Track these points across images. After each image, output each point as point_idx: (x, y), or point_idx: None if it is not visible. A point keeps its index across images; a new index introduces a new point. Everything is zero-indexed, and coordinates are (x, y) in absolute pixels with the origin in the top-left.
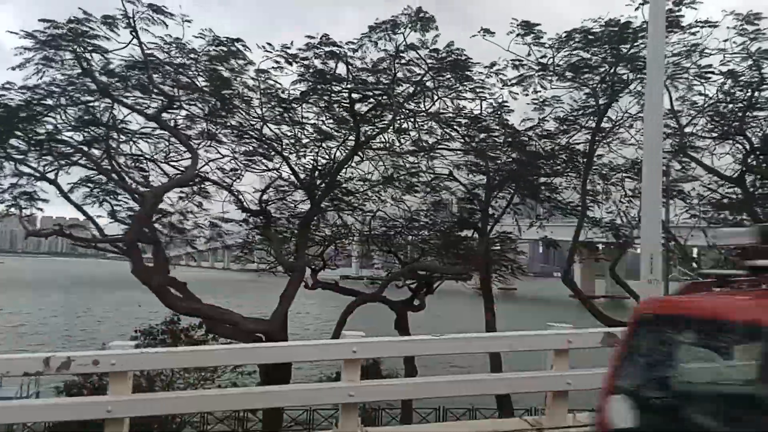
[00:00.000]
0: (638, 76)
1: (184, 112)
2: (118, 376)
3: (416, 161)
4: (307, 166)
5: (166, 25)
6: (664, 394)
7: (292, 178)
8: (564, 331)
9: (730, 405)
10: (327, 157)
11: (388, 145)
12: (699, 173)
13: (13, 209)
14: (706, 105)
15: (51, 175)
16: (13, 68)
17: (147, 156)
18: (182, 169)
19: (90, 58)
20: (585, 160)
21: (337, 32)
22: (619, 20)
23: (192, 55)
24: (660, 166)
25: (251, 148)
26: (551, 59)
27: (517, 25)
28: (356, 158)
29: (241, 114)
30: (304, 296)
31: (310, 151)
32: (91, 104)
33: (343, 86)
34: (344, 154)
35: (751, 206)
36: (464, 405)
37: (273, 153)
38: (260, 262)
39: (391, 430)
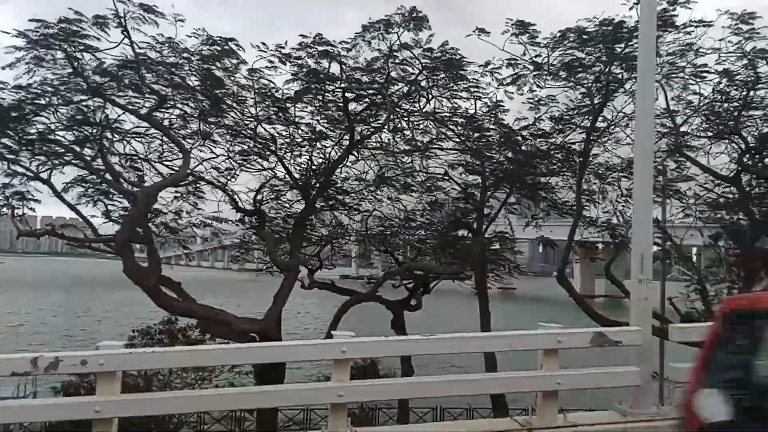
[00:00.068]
0: (632, 75)
1: (177, 112)
2: (107, 376)
3: (410, 161)
4: (302, 165)
5: (157, 24)
6: (757, 387)
7: (287, 177)
8: (553, 331)
9: None
10: (322, 156)
11: (384, 144)
12: (695, 172)
13: (5, 209)
14: (701, 104)
15: (45, 175)
16: (3, 68)
17: (141, 156)
18: (176, 168)
19: (81, 57)
20: (581, 159)
21: (337, 32)
22: (614, 19)
23: (185, 55)
24: (651, 168)
25: (246, 147)
26: (546, 58)
27: (512, 25)
28: (352, 158)
29: (235, 113)
30: (304, 296)
31: (306, 151)
32: (84, 103)
33: (337, 86)
34: (339, 154)
35: (747, 206)
36: (461, 405)
37: (268, 153)
38: (258, 262)
39: (381, 430)
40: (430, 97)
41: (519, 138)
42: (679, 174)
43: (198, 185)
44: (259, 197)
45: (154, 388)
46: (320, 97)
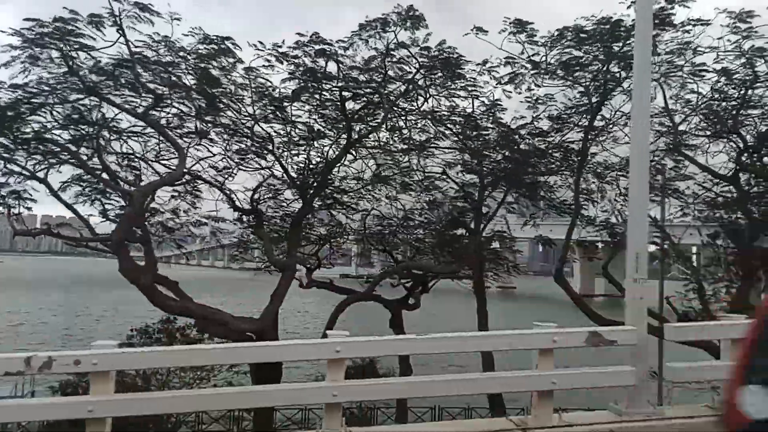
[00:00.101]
0: (630, 74)
1: (174, 111)
2: (100, 376)
3: (408, 160)
4: (299, 164)
5: (152, 23)
6: None
7: (284, 176)
8: (549, 330)
9: None
10: (319, 155)
11: (381, 143)
12: (693, 171)
13: (1, 208)
14: (699, 103)
15: (41, 174)
16: None
17: (137, 155)
18: (174, 167)
19: (77, 56)
20: (579, 158)
21: (337, 32)
22: (611, 18)
23: (181, 53)
24: (647, 166)
25: (243, 146)
26: (543, 57)
27: (510, 23)
28: (349, 157)
29: (232, 112)
30: (303, 295)
31: (303, 150)
32: (80, 102)
33: (334, 84)
34: (336, 153)
35: (746, 205)
36: (460, 404)
37: (265, 151)
38: (257, 261)
39: (375, 430)
40: (428, 95)
41: (517, 137)
42: (677, 173)
43: (195, 184)
44: (256, 196)
45: (152, 387)
46: (317, 96)
